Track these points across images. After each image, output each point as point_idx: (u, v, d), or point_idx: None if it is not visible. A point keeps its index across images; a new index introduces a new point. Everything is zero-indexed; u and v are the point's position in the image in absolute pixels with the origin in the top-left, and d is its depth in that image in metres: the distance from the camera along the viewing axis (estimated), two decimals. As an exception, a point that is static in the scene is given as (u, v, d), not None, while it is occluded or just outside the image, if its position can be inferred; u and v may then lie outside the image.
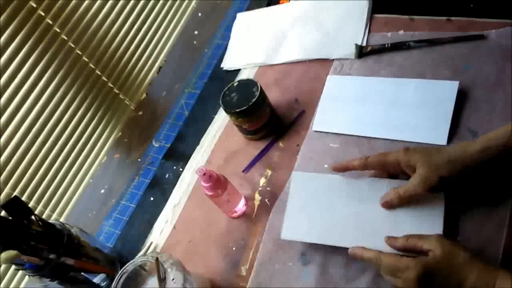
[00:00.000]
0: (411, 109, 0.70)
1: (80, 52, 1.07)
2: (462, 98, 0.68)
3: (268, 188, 0.73)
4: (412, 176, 0.56)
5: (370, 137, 0.71)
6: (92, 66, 1.10)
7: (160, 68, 1.11)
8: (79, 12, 1.05)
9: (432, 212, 0.57)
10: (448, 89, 0.69)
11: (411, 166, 0.56)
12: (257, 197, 0.73)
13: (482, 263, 0.48)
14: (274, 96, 0.82)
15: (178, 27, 1.31)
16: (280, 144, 0.78)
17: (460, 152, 0.54)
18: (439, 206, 0.57)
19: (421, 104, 0.70)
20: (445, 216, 0.56)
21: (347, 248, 0.59)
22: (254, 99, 0.72)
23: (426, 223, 0.56)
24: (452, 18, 0.77)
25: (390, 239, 0.55)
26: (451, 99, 0.68)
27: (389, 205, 0.59)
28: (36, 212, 0.99)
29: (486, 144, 0.53)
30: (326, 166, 0.70)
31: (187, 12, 1.31)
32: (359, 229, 0.59)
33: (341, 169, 0.62)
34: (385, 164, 0.59)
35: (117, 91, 1.18)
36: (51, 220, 0.66)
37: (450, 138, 0.65)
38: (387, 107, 0.72)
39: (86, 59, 1.08)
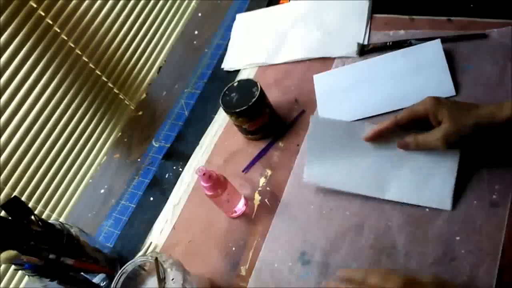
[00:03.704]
0: (408, 76, 0.73)
1: (80, 52, 1.07)
2: (463, 98, 0.68)
3: (268, 188, 0.73)
4: (436, 128, 0.58)
5: (378, 116, 0.72)
6: (92, 66, 1.10)
7: (160, 68, 1.11)
8: (79, 12, 1.05)
9: (445, 169, 0.60)
10: (434, 48, 0.73)
11: (437, 118, 0.57)
12: (257, 197, 0.73)
13: None
14: (274, 96, 0.82)
15: (178, 27, 1.31)
16: (280, 144, 0.77)
17: (487, 118, 0.54)
18: (453, 162, 0.60)
19: (416, 69, 0.73)
20: (457, 174, 0.59)
21: (347, 248, 0.59)
22: (254, 99, 0.72)
23: (438, 180, 0.60)
24: (453, 18, 0.77)
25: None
26: (440, 56, 0.72)
27: (404, 146, 0.62)
28: (36, 212, 0.99)
29: None
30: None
31: (187, 12, 1.31)
32: (374, 177, 0.63)
33: (375, 136, 0.63)
34: (415, 116, 0.59)
35: (117, 91, 1.18)
36: (51, 220, 0.66)
37: (457, 89, 0.69)
38: (386, 82, 0.75)
39: (86, 59, 1.08)
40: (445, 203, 0.59)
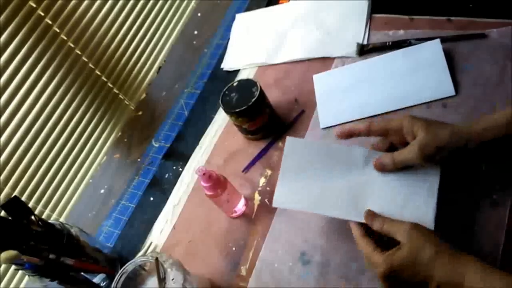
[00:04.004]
0: (408, 76, 0.73)
1: (79, 52, 1.07)
2: (462, 98, 0.68)
3: (268, 188, 0.73)
4: (411, 142, 0.55)
5: (378, 116, 0.72)
6: (92, 66, 1.10)
7: (160, 68, 1.11)
8: (78, 12, 1.05)
9: (425, 194, 0.56)
10: (433, 48, 0.73)
11: (412, 133, 0.55)
12: (257, 197, 0.73)
13: (450, 256, 0.47)
14: (274, 96, 0.82)
15: (178, 27, 1.31)
16: (280, 144, 0.77)
17: (462, 129, 0.53)
18: (434, 182, 0.57)
19: (415, 69, 0.73)
20: (438, 194, 0.56)
21: (347, 248, 0.59)
22: (254, 99, 0.72)
23: (418, 201, 0.56)
24: (452, 18, 0.77)
25: (369, 217, 0.55)
26: (439, 55, 0.72)
27: (381, 167, 0.58)
28: (36, 212, 0.99)
29: (488, 124, 0.52)
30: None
31: (187, 12, 1.31)
32: (350, 200, 0.58)
33: (346, 134, 0.61)
34: (388, 130, 0.58)
35: (116, 91, 1.18)
36: (51, 220, 0.66)
37: (457, 89, 0.69)
38: (385, 82, 0.75)
39: (86, 59, 1.08)
40: (427, 225, 0.53)
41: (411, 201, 0.56)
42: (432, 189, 0.56)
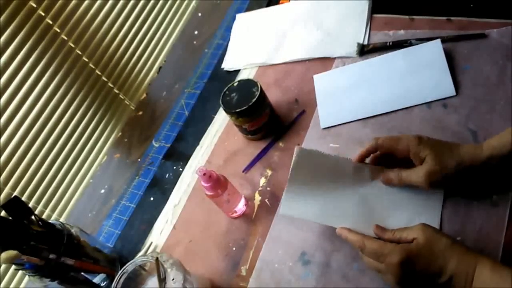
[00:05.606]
0: (408, 76, 0.73)
1: (80, 52, 1.07)
2: (463, 98, 0.68)
3: (268, 188, 0.73)
4: (418, 166, 0.57)
5: (378, 116, 0.72)
6: (92, 66, 1.10)
7: (160, 68, 1.11)
8: (79, 12, 1.05)
9: (430, 210, 0.59)
10: (434, 48, 0.73)
11: (419, 157, 0.56)
12: (257, 197, 0.73)
13: (463, 248, 0.50)
14: (274, 96, 0.82)
15: (178, 27, 1.31)
16: (280, 144, 0.78)
17: (469, 160, 0.55)
18: (437, 203, 0.59)
19: (416, 69, 0.73)
20: (441, 215, 0.59)
21: (348, 248, 0.59)
22: (254, 99, 0.72)
23: (422, 219, 0.58)
24: (452, 18, 0.77)
25: (378, 229, 0.56)
26: (440, 56, 0.71)
27: (387, 181, 0.61)
28: (36, 212, 0.99)
29: (492, 153, 0.54)
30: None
31: (187, 12, 1.32)
32: (356, 212, 0.60)
33: (360, 158, 0.62)
34: (395, 149, 0.59)
35: (117, 91, 1.18)
36: (51, 220, 0.66)
37: (457, 89, 0.69)
38: (386, 82, 0.75)
39: (86, 59, 1.08)
40: None
41: (417, 214, 0.59)
42: (437, 203, 0.59)
